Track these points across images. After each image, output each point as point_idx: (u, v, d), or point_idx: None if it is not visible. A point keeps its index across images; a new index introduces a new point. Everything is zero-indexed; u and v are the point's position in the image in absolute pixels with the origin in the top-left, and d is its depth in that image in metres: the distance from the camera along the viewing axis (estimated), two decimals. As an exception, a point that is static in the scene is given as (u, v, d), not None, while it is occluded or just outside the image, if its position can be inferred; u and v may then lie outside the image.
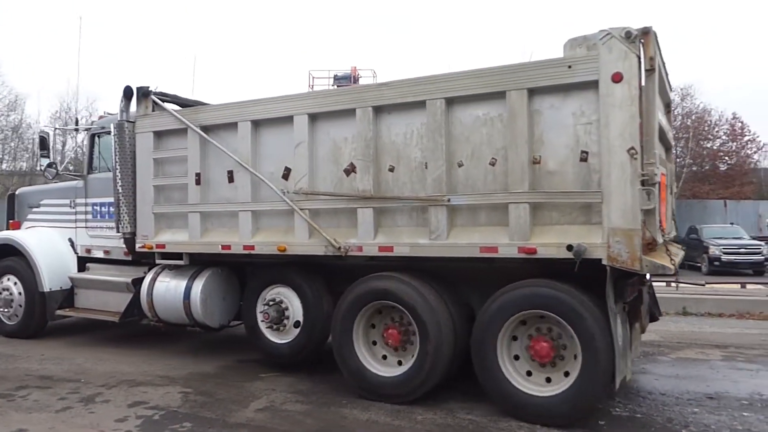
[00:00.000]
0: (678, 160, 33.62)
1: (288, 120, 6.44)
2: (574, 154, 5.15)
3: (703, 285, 14.60)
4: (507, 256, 5.35)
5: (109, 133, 8.29)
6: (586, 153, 5.09)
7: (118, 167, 7.58)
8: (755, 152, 40.53)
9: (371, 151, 5.96)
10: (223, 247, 6.85)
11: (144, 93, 7.45)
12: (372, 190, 5.95)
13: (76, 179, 8.73)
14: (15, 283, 8.74)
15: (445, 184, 5.59)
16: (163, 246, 7.33)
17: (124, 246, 7.94)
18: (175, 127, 7.20)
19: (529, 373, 5.40)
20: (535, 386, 5.32)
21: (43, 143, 8.38)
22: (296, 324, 6.79)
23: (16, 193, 9.74)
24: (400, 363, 6.00)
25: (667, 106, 6.81)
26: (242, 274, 7.60)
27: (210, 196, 7.05)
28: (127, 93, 7.63)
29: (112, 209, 8.14)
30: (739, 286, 14.80)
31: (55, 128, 9.92)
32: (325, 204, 6.26)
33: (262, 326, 6.98)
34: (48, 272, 8.46)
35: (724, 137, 40.04)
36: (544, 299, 5.17)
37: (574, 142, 5.15)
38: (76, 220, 8.67)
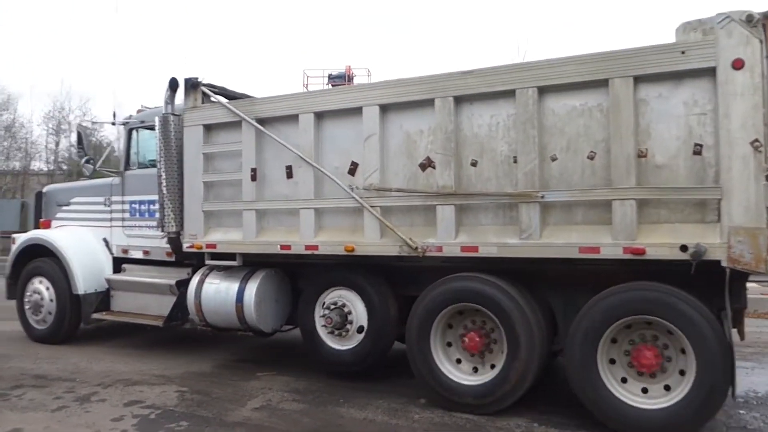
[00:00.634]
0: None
1: (356, 111, 6.03)
2: (686, 146, 4.76)
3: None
4: (610, 257, 4.95)
5: (148, 127, 7.89)
6: (700, 146, 4.71)
7: (162, 163, 7.14)
8: None
9: (452, 144, 5.55)
10: (283, 247, 6.42)
11: (193, 84, 7.01)
12: (453, 185, 5.55)
13: (112, 176, 8.26)
14: (45, 286, 8.27)
15: (538, 179, 5.20)
16: (213, 246, 6.89)
17: (166, 246, 7.51)
18: (228, 120, 6.77)
19: (624, 380, 5.01)
20: (645, 398, 4.92)
21: (80, 139, 7.91)
22: (359, 329, 6.37)
23: (44, 190, 9.26)
24: (475, 370, 5.62)
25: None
26: (293, 276, 7.17)
27: (266, 193, 6.62)
28: (173, 84, 7.20)
29: (152, 207, 7.72)
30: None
31: (92, 122, 9.39)
32: (397, 201, 5.85)
33: (322, 332, 6.55)
34: (82, 274, 8.00)
35: None
36: (654, 304, 4.78)
37: (686, 133, 4.77)
38: (111, 219, 8.20)
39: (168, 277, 7.57)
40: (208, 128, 6.97)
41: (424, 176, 5.77)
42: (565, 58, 5.13)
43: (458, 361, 5.69)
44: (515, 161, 5.33)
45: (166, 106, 7.22)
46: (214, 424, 5.19)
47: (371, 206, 5.90)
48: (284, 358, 7.74)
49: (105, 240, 8.24)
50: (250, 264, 6.93)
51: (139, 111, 8.18)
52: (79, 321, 8.22)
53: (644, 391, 4.96)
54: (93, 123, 8.61)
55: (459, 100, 5.56)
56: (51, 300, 8.20)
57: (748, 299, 5.25)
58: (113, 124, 8.09)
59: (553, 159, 5.22)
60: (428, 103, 5.68)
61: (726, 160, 4.55)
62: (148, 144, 8.06)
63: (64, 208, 8.79)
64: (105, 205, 8.28)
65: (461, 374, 5.60)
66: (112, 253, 8.20)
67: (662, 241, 4.75)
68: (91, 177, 8.32)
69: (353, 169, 6.10)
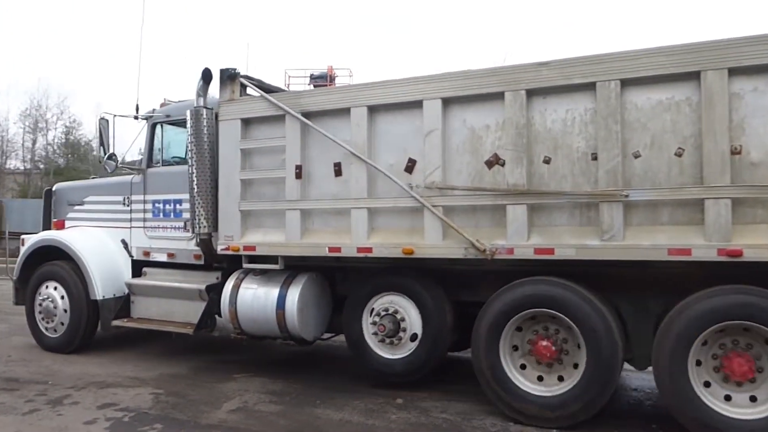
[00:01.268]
0: None
1: (414, 105, 5.69)
2: (786, 143, 4.52)
3: None
4: (702, 259, 4.67)
5: (174, 122, 7.43)
6: (800, 142, 4.47)
7: (193, 159, 6.70)
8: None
9: (524, 140, 5.24)
10: (332, 249, 6.03)
11: (230, 76, 6.59)
12: (525, 183, 5.23)
13: (132, 173, 7.76)
14: (58, 291, 7.73)
15: (621, 177, 4.91)
16: (252, 248, 6.45)
17: (194, 248, 7.06)
18: (269, 114, 6.36)
19: (707, 384, 4.74)
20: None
21: (102, 133, 7.40)
22: (413, 337, 6.00)
23: (53, 189, 8.68)
24: (540, 379, 5.31)
25: None
26: (332, 280, 6.77)
27: (311, 192, 6.23)
28: (206, 76, 6.77)
29: (178, 207, 7.28)
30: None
31: (115, 115, 8.84)
32: (461, 200, 5.51)
33: (371, 340, 6.17)
34: (101, 278, 7.48)
35: None
36: (755, 309, 4.50)
37: (785, 129, 4.52)
38: (131, 219, 7.70)
39: (196, 282, 7.11)
40: (247, 122, 6.54)
41: (490, 174, 5.44)
42: (651, 48, 4.86)
43: (522, 366, 5.38)
44: (594, 158, 5.04)
45: (198, 98, 6.78)
46: (188, 427, 5.14)
47: (433, 206, 5.55)
48: (261, 359, 7.61)
49: (123, 242, 7.74)
50: (288, 268, 6.52)
51: (162, 105, 7.72)
52: (95, 329, 7.71)
53: (727, 398, 4.70)
54: (114, 116, 7.99)
55: (531, 94, 5.25)
56: (65, 306, 7.66)
57: None
58: (136, 118, 7.58)
59: (636, 156, 4.93)
60: (496, 96, 5.36)
61: (831, 157, 4.31)
62: (173, 140, 7.62)
63: (77, 207, 8.25)
64: (124, 204, 7.77)
65: (530, 383, 5.29)
66: (131, 256, 7.70)
67: (761, 242, 4.49)
68: (113, 174, 7.80)
69: (411, 166, 5.74)
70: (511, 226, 5.27)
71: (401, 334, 6.02)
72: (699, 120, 4.72)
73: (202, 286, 6.96)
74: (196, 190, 6.69)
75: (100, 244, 7.72)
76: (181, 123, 7.39)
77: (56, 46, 59.29)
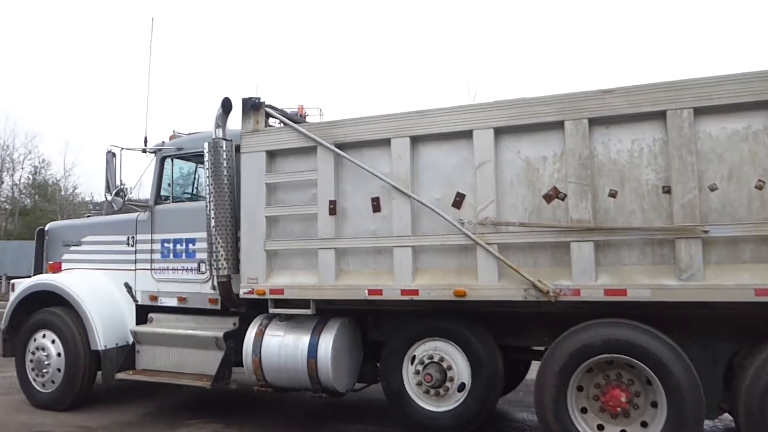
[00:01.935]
0: None
1: (462, 135, 5.32)
2: None
3: None
4: (795, 300, 4.33)
5: (186, 156, 6.92)
6: None
7: (211, 195, 6.17)
8: None
9: (588, 172, 4.88)
10: (372, 292, 5.52)
11: (254, 105, 6.13)
12: (591, 219, 4.85)
13: (138, 210, 7.17)
14: (53, 341, 7.00)
15: (698, 211, 4.57)
16: (280, 291, 5.90)
17: (209, 292, 6.49)
18: (298, 146, 5.91)
19: None
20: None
21: (108, 167, 6.81)
22: (460, 387, 5.50)
23: (46, 228, 7.97)
24: (600, 428, 4.89)
25: None
26: (363, 325, 6.24)
27: (346, 229, 5.75)
28: (226, 106, 6.31)
29: (190, 246, 6.73)
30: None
31: (122, 148, 8.21)
32: (517, 237, 5.10)
33: (413, 391, 5.65)
34: (103, 325, 6.81)
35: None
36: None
37: None
38: (136, 261, 7.07)
39: (211, 329, 6.50)
40: (272, 155, 6.07)
41: (549, 209, 5.06)
42: (724, 76, 4.59)
43: (583, 410, 4.94)
44: (666, 191, 4.70)
45: (217, 129, 6.30)
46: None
47: (487, 243, 5.12)
48: (215, 404, 7.26)
49: (127, 285, 7.09)
50: (318, 312, 5.97)
51: (172, 137, 7.18)
52: (93, 382, 6.99)
53: None
54: (122, 149, 7.39)
55: (592, 123, 4.92)
56: (60, 358, 6.92)
57: None
58: (144, 151, 7.02)
59: (712, 189, 4.61)
60: (554, 126, 5.03)
61: None
62: (185, 174, 7.08)
63: (74, 248, 7.57)
64: (128, 244, 7.15)
65: None
66: (136, 301, 7.04)
67: None
68: (119, 212, 7.19)
69: (459, 201, 5.33)
70: (577, 265, 4.87)
71: (448, 384, 5.51)
72: (782, 150, 4.44)
73: (220, 334, 6.35)
74: (214, 228, 6.14)
75: (101, 287, 7.06)
76: (194, 156, 6.90)
77: (24, 84, 57.95)
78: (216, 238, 6.14)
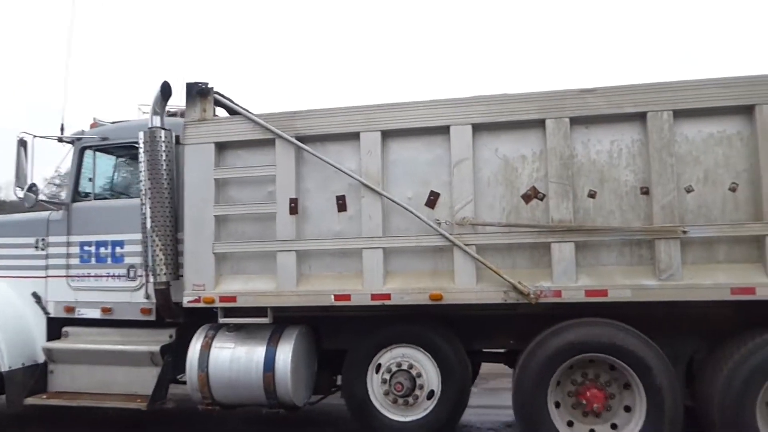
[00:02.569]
0: None
1: (437, 131, 5.07)
2: None
3: None
4: (765, 298, 4.47)
5: (112, 147, 6.13)
6: None
7: (147, 190, 5.47)
8: None
9: (569, 172, 4.80)
10: (338, 297, 5.11)
11: (201, 91, 5.50)
12: (572, 219, 4.77)
13: (52, 208, 6.22)
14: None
15: (677, 212, 4.62)
16: (232, 299, 5.31)
17: (141, 301, 5.76)
18: (254, 138, 5.37)
19: None
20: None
21: (20, 156, 5.81)
22: (429, 395, 5.23)
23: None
24: (570, 424, 4.87)
25: None
26: (318, 333, 5.79)
27: (307, 230, 5.29)
28: (166, 91, 5.63)
29: (119, 250, 5.94)
30: None
31: (34, 136, 6.93)
32: (496, 238, 4.92)
33: (379, 401, 5.31)
34: (6, 343, 5.81)
35: None
36: None
37: None
38: (47, 267, 6.12)
39: (144, 343, 5.76)
40: (222, 147, 5.48)
41: (528, 209, 4.93)
42: (704, 80, 4.69)
43: (557, 404, 4.89)
44: (644, 192, 4.73)
45: (154, 117, 5.59)
46: None
47: (465, 245, 4.89)
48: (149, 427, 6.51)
49: (36, 295, 6.12)
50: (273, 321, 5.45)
51: (93, 125, 6.31)
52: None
53: None
54: (35, 137, 6.28)
55: (573, 122, 4.85)
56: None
57: None
58: (60, 140, 6.10)
59: (688, 190, 4.69)
60: (534, 124, 4.91)
61: None
62: (110, 168, 6.26)
63: (-35, 252, 6.45)
64: (37, 248, 6.18)
65: None
66: (47, 313, 6.10)
67: (827, 280, 4.39)
68: (31, 209, 6.19)
69: (433, 200, 5.07)
70: (558, 266, 4.77)
71: (417, 392, 5.23)
72: (752, 154, 4.59)
73: (156, 348, 5.64)
74: (151, 229, 5.44)
75: (2, 299, 6.05)
76: (121, 148, 6.11)
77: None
78: (153, 240, 5.44)
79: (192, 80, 5.52)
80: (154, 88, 5.64)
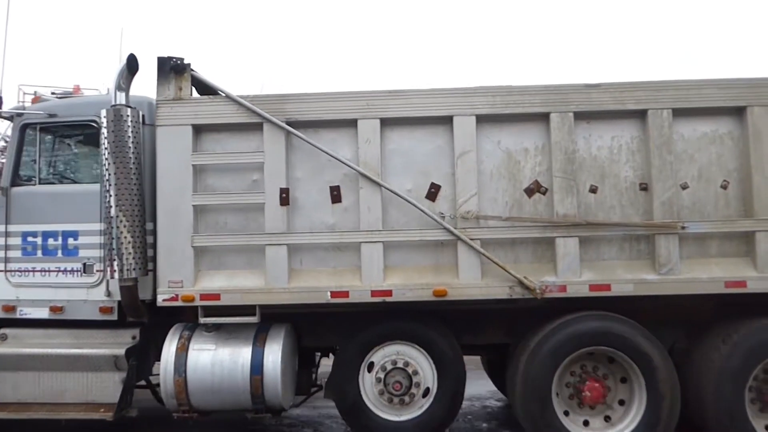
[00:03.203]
0: None
1: (439, 121, 4.88)
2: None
3: None
4: (757, 291, 4.71)
5: (60, 125, 5.41)
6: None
7: (112, 176, 4.87)
8: None
9: (573, 166, 4.79)
10: (335, 294, 4.81)
11: (176, 68, 4.94)
12: (576, 214, 4.77)
13: None
14: None
15: (676, 208, 4.74)
16: (215, 296, 4.85)
17: (101, 298, 5.17)
18: (239, 121, 4.91)
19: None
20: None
21: None
22: (425, 393, 5.09)
23: None
24: (586, 424, 4.93)
25: None
26: (299, 331, 5.45)
27: (297, 223, 4.93)
28: (132, 64, 5.02)
29: (72, 241, 5.29)
30: None
31: None
32: (499, 232, 4.83)
33: (372, 401, 5.09)
34: (-68, 350, 5.00)
35: None
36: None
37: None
38: (-21, 260, 5.33)
39: (104, 345, 5.16)
40: (199, 130, 4.97)
41: (530, 203, 4.87)
42: (702, 80, 4.83)
43: (565, 413, 4.91)
44: (642, 188, 4.81)
45: (119, 94, 4.97)
46: None
47: (470, 239, 4.76)
48: None
49: (-34, 293, 5.31)
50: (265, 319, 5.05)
51: (35, 100, 5.51)
52: None
53: None
54: None
55: (576, 117, 4.83)
56: None
57: None
58: (-2, 116, 5.28)
59: (684, 187, 4.82)
60: (538, 117, 4.85)
61: None
62: (58, 149, 5.51)
63: None
64: (-34, 238, 5.35)
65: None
66: (-20, 313, 5.31)
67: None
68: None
69: (434, 192, 4.88)
70: (563, 261, 4.76)
71: (414, 390, 5.06)
72: (742, 154, 4.79)
73: (120, 351, 5.06)
74: (116, 219, 4.85)
75: (-75, 298, 5.19)
76: (73, 126, 5.40)
77: None
78: (120, 231, 4.85)
79: (164, 55, 4.96)
80: (114, 63, 5.03)
